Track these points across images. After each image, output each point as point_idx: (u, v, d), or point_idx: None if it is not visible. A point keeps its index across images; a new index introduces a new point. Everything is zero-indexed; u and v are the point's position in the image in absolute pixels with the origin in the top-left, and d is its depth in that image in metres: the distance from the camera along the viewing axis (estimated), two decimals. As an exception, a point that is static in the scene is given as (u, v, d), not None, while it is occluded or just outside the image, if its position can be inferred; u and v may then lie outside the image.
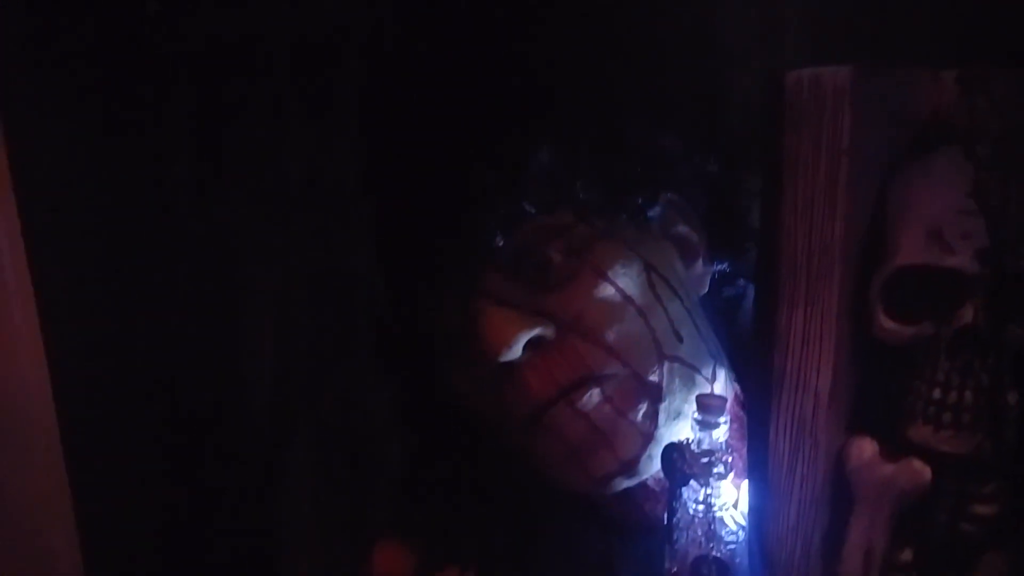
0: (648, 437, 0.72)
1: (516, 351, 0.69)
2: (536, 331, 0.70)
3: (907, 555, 0.60)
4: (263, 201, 0.61)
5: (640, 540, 0.76)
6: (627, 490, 0.77)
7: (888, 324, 0.56)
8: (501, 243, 0.73)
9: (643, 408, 0.72)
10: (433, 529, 0.79)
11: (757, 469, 0.62)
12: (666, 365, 0.73)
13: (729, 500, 0.64)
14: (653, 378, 0.73)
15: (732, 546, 0.64)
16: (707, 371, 0.76)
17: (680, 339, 0.75)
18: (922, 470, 0.57)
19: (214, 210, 0.57)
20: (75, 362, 0.53)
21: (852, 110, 0.51)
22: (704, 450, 0.63)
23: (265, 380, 0.61)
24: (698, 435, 0.64)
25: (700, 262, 0.81)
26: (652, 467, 0.72)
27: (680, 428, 0.72)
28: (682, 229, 0.81)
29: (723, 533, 0.64)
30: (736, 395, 0.79)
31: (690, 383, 0.73)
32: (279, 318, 0.61)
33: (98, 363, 0.54)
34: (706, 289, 0.82)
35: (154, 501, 0.58)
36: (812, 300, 0.57)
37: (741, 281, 0.84)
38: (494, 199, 0.73)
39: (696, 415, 0.64)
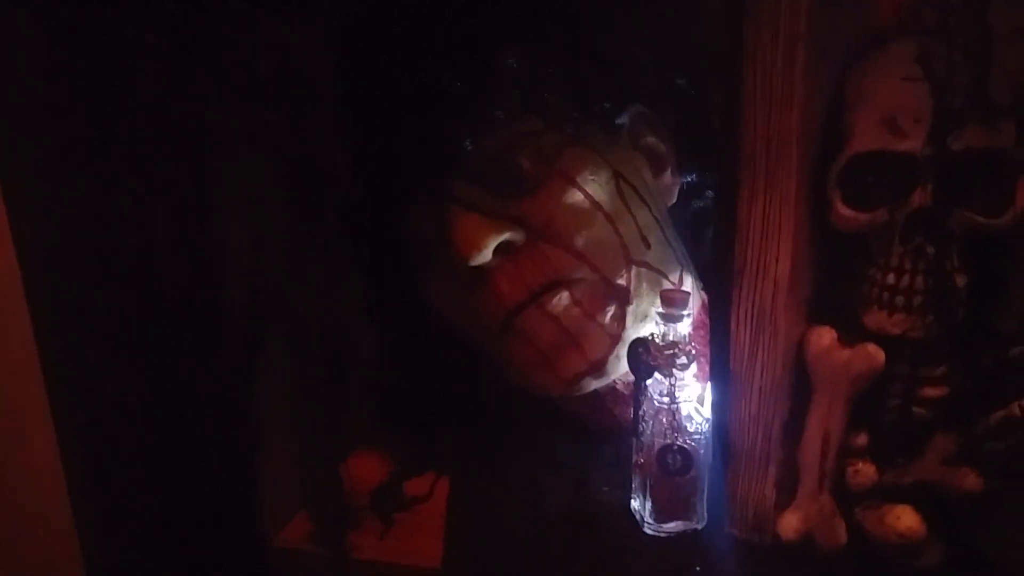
0: (616, 338, 0.75)
1: (486, 255, 0.72)
2: (506, 236, 0.73)
3: (862, 439, 0.64)
4: (235, 96, 0.62)
5: (611, 443, 0.80)
6: (598, 394, 0.81)
7: (845, 211, 0.60)
8: (471, 149, 0.75)
9: (611, 310, 0.75)
10: (409, 435, 0.83)
11: (719, 359, 0.66)
12: (634, 270, 0.76)
13: (693, 392, 0.67)
14: (621, 282, 0.76)
15: (696, 436, 0.68)
16: (674, 276, 0.79)
17: (648, 245, 0.78)
18: (876, 354, 0.61)
19: (185, 106, 0.59)
20: (46, 259, 0.54)
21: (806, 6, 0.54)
22: (668, 342, 0.66)
23: (239, 279, 0.63)
24: (662, 329, 0.67)
25: (669, 172, 0.84)
26: (620, 368, 0.76)
27: (647, 330, 0.76)
28: (651, 140, 0.83)
29: (687, 423, 0.67)
30: (703, 302, 0.83)
31: (657, 287, 0.77)
32: (252, 217, 0.63)
33: (69, 261, 0.56)
34: (675, 199, 0.85)
35: (127, 404, 0.60)
36: (770, 188, 0.59)
37: (710, 192, 0.87)
38: (463, 105, 0.75)
39: (660, 309, 0.67)
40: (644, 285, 0.77)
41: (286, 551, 0.69)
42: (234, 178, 0.62)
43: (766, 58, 0.57)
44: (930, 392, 0.62)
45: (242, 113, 0.63)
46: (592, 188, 0.76)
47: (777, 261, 0.61)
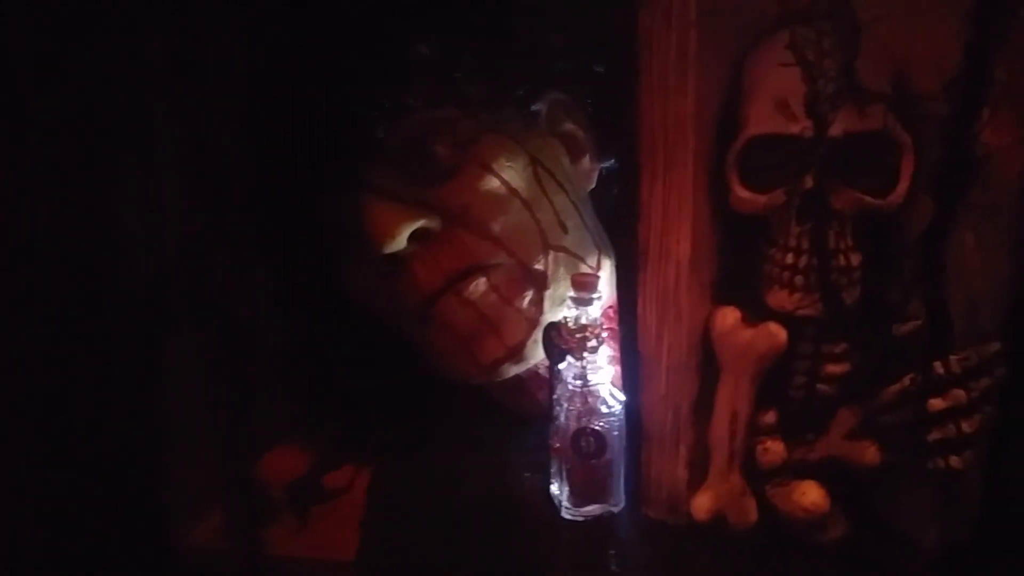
0: (533, 323, 0.77)
1: (401, 242, 0.73)
2: (420, 223, 0.74)
3: (770, 417, 0.67)
4: (130, 79, 0.62)
5: (535, 427, 0.82)
6: (520, 379, 0.83)
7: (743, 193, 0.62)
8: (385, 136, 0.76)
9: (529, 296, 0.77)
10: (331, 427, 0.84)
11: (628, 340, 0.68)
12: (551, 255, 0.79)
13: (607, 374, 0.70)
14: (538, 267, 0.78)
15: (611, 418, 0.70)
16: (592, 260, 0.81)
17: (565, 230, 0.80)
18: (778, 333, 0.64)
19: (73, 88, 0.58)
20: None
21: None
22: (579, 326, 0.68)
23: (135, 268, 0.64)
24: (574, 312, 0.69)
25: (587, 158, 0.86)
26: (539, 353, 0.78)
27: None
28: (569, 126, 0.85)
29: (600, 406, 0.70)
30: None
31: (575, 271, 0.79)
32: (148, 205, 0.63)
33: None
34: (593, 184, 0.87)
35: (27, 395, 0.60)
36: (669, 172, 0.62)
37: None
38: (377, 92, 0.76)
39: (571, 293, 0.69)
40: (561, 270, 0.79)
41: (198, 549, 0.70)
42: (127, 164, 0.62)
43: (660, 45, 0.59)
44: (833, 369, 0.66)
45: (137, 96, 0.63)
46: (508, 174, 0.78)
47: (678, 243, 0.63)
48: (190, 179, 0.66)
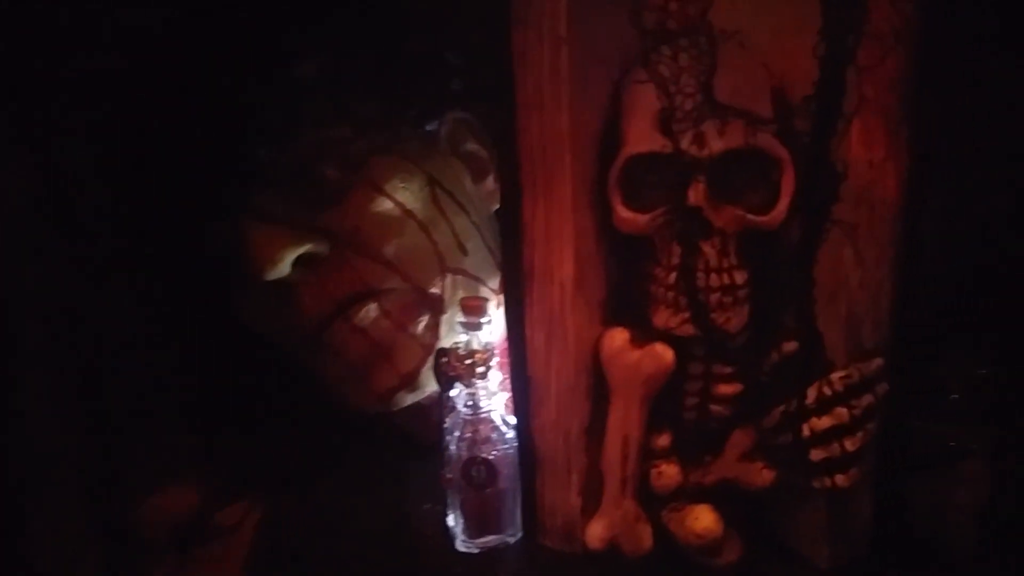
0: (429, 349, 0.76)
1: (284, 268, 0.72)
2: (305, 247, 0.72)
3: (664, 440, 0.67)
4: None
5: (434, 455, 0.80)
6: (421, 407, 0.81)
7: (625, 213, 0.62)
8: (271, 159, 0.74)
9: (423, 321, 0.76)
10: (220, 463, 0.81)
11: (517, 365, 0.67)
12: (448, 278, 0.77)
13: (498, 401, 0.68)
14: (434, 290, 0.77)
15: (503, 446, 0.69)
16: (494, 283, 0.80)
17: (465, 252, 0.79)
18: (664, 353, 0.63)
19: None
20: None
21: (568, 1, 0.56)
22: (469, 351, 0.67)
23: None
24: (464, 338, 0.68)
25: (491, 179, 0.85)
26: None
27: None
28: (472, 146, 0.84)
29: (492, 434, 0.68)
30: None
31: (475, 294, 0.78)
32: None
33: None
34: (498, 205, 0.86)
35: None
36: (549, 192, 0.61)
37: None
38: (262, 113, 0.75)
39: (460, 318, 0.68)
40: (460, 292, 0.77)
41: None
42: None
43: (534, 61, 0.58)
44: (724, 389, 0.65)
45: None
46: (403, 196, 0.76)
47: (562, 264, 0.62)
48: (54, 206, 0.63)
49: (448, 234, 0.78)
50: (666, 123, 0.55)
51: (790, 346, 0.62)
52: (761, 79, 0.53)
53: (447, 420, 0.69)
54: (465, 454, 0.68)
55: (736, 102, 0.53)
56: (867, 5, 0.50)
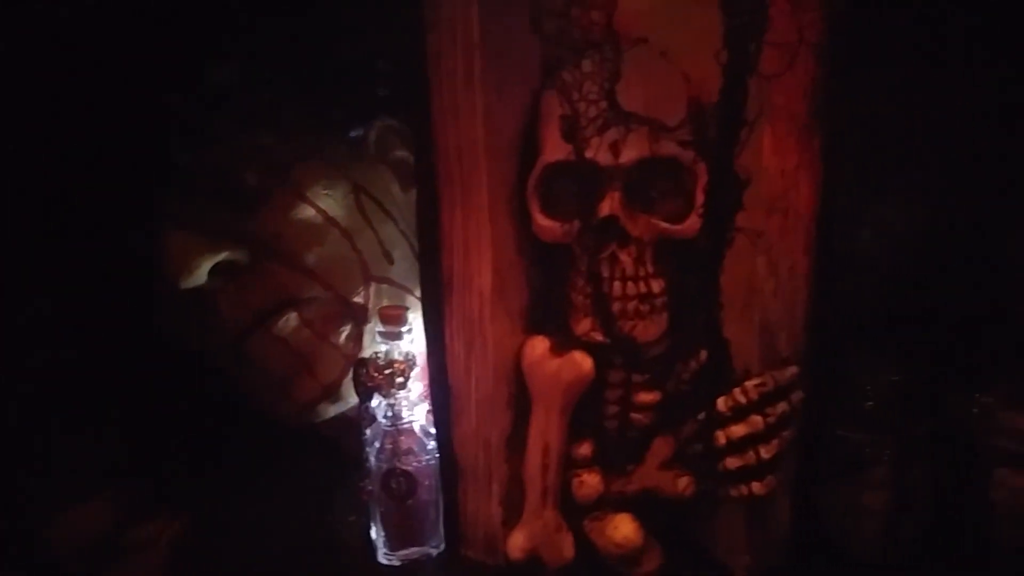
0: (351, 360, 0.74)
1: (199, 277, 0.70)
2: (222, 256, 0.71)
3: (586, 449, 0.66)
4: None
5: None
6: (347, 417, 0.79)
7: (543, 221, 0.61)
8: (190, 164, 0.73)
9: (346, 331, 0.75)
10: (141, 475, 0.78)
11: (437, 374, 0.66)
12: (373, 286, 0.76)
13: (420, 411, 0.68)
14: (358, 300, 0.76)
15: (425, 457, 0.68)
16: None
17: (391, 260, 0.78)
18: (583, 361, 0.63)
19: None
20: None
21: (479, 5, 0.55)
22: (388, 361, 0.66)
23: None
24: (383, 348, 0.67)
25: (419, 186, 0.84)
26: (360, 390, 0.75)
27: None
28: (401, 153, 0.83)
29: (414, 445, 0.67)
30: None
31: (401, 303, 0.77)
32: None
33: None
34: (426, 212, 0.86)
35: None
36: (466, 200, 0.61)
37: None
38: (181, 117, 0.73)
39: (379, 328, 0.67)
40: (385, 301, 0.76)
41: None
42: None
43: (448, 67, 0.58)
44: (644, 397, 0.65)
45: None
46: (326, 203, 0.75)
47: (480, 272, 0.62)
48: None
49: (373, 242, 0.77)
50: (571, 131, 0.54)
51: (707, 354, 0.62)
52: (667, 87, 0.53)
53: (367, 431, 0.68)
54: (385, 466, 0.67)
55: (642, 110, 0.53)
56: (768, 14, 0.50)
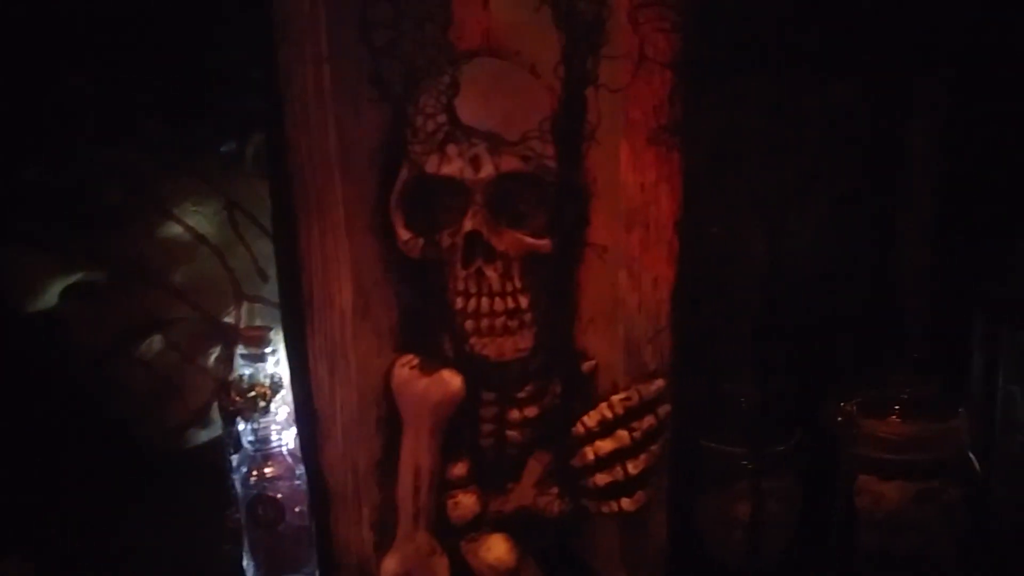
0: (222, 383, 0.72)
1: (50, 299, 0.66)
2: (76, 277, 0.67)
3: (461, 469, 0.65)
4: None
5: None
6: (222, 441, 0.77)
7: (407, 236, 0.60)
8: (42, 180, 0.69)
9: (215, 352, 0.72)
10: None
11: (301, 398, 0.64)
12: (245, 306, 0.74)
13: (287, 435, 0.65)
14: (229, 320, 0.73)
15: (294, 482, 0.66)
16: (298, 310, 0.77)
17: (265, 279, 0.76)
18: (451, 380, 0.62)
19: None
20: None
21: (326, 17, 0.54)
22: (250, 384, 0.64)
23: None
24: (245, 370, 0.64)
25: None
26: (231, 414, 0.73)
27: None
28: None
29: (281, 470, 0.65)
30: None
31: (277, 322, 0.74)
32: None
33: None
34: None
35: None
36: (323, 215, 0.59)
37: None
38: (32, 130, 0.70)
39: (240, 349, 0.64)
40: (258, 321, 0.74)
41: None
42: None
43: (298, 80, 0.56)
44: (520, 414, 0.64)
45: None
46: (195, 219, 0.73)
47: (341, 291, 0.60)
48: None
49: (247, 260, 0.75)
50: (410, 145, 0.53)
51: (578, 369, 0.62)
52: (508, 100, 0.53)
53: (233, 457, 0.65)
54: (251, 492, 0.64)
55: (482, 124, 0.52)
56: (605, 28, 0.50)
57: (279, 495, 0.65)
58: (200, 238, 0.73)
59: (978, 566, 0.63)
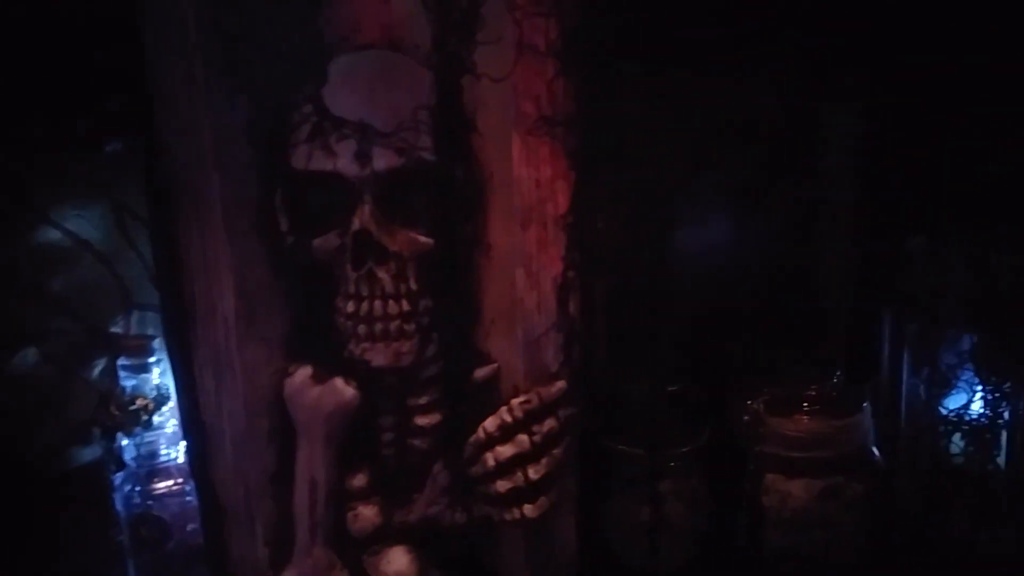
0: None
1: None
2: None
3: (361, 480, 0.62)
4: None
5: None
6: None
7: (293, 237, 0.57)
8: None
9: (100, 364, 0.68)
10: None
11: (188, 410, 0.61)
12: (135, 314, 0.70)
13: (173, 450, 0.62)
14: (116, 329, 0.69)
15: (187, 499, 0.62)
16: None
17: (157, 285, 0.72)
18: (344, 388, 0.59)
19: None
20: None
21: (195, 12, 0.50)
22: (131, 397, 0.60)
23: None
24: (128, 381, 0.60)
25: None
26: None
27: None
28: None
29: (169, 487, 0.61)
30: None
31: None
32: None
33: None
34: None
35: None
36: (202, 217, 0.56)
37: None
38: None
39: (121, 359, 0.61)
40: (150, 330, 0.70)
41: None
42: None
43: (167, 73, 0.53)
44: (422, 421, 0.62)
45: None
46: (77, 224, 0.69)
47: (222, 297, 0.57)
48: None
49: (138, 266, 0.71)
50: (271, 138, 0.51)
51: (479, 373, 0.60)
52: (379, 90, 0.50)
53: (114, 475, 0.61)
54: (134, 511, 0.60)
55: (353, 114, 0.50)
56: (480, 12, 0.47)
57: (167, 513, 0.61)
58: (83, 244, 0.68)
59: (882, 560, 0.63)
